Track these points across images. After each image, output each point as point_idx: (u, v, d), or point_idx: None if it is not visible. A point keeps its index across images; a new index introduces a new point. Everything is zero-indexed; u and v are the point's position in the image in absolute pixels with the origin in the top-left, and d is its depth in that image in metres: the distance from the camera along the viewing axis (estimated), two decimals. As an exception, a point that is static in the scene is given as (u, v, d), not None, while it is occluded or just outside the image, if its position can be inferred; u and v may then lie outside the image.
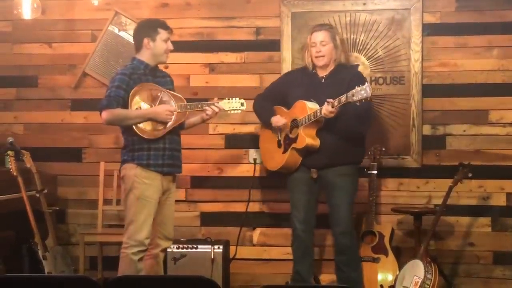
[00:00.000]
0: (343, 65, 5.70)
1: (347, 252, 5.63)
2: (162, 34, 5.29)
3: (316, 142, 5.55)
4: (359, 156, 5.72)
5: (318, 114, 5.42)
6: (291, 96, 5.71)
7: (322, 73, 5.69)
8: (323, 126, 5.51)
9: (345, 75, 5.53)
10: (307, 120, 5.51)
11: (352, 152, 5.62)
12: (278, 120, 5.73)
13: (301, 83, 5.72)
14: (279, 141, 5.78)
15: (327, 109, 5.35)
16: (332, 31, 5.74)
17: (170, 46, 5.33)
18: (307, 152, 5.59)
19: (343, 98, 5.29)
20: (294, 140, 5.62)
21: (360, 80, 5.43)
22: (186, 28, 6.34)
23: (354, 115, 5.43)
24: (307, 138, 5.53)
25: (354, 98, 5.24)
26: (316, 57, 5.66)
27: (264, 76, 6.36)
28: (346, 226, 5.59)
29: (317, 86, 5.62)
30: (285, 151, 5.69)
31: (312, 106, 5.52)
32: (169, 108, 5.21)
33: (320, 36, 5.67)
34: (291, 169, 5.70)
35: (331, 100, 5.34)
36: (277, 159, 5.76)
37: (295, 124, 5.62)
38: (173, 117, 5.23)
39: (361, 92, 5.22)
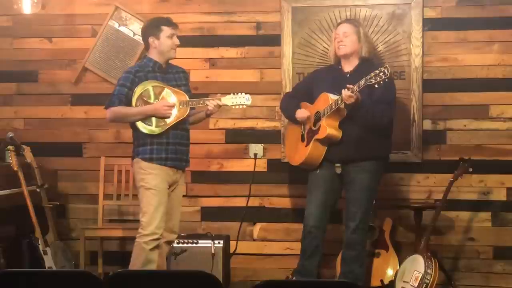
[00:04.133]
0: (369, 61, 5.67)
1: (356, 248, 5.60)
2: (166, 31, 5.41)
3: (339, 133, 5.51)
4: (384, 150, 5.67)
5: (339, 102, 5.41)
6: (316, 92, 5.69)
7: (347, 69, 5.67)
8: (347, 117, 5.48)
9: (371, 70, 5.40)
10: (328, 110, 5.48)
11: (377, 146, 5.57)
12: (302, 112, 5.72)
13: (326, 79, 5.70)
14: (302, 135, 5.76)
15: (345, 93, 5.34)
16: (355, 24, 5.74)
17: (176, 41, 5.46)
18: (329, 143, 5.55)
19: (362, 81, 5.30)
20: (317, 131, 5.59)
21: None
22: (186, 23, 6.32)
23: (378, 103, 5.42)
24: (329, 128, 5.49)
25: (372, 80, 5.24)
26: (338, 47, 5.64)
27: (265, 71, 6.36)
28: (360, 222, 5.56)
29: (341, 81, 5.55)
30: (307, 144, 5.66)
31: (334, 97, 5.50)
32: (166, 103, 5.34)
33: (343, 28, 5.67)
34: (314, 163, 5.64)
35: (350, 85, 5.34)
36: (300, 153, 5.72)
37: (318, 116, 5.60)
38: (174, 113, 5.35)
39: (380, 74, 5.23)
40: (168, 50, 5.43)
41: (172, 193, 5.46)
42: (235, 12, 6.39)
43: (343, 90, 5.37)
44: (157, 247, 5.35)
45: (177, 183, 5.48)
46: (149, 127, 5.36)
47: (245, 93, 5.45)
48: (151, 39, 5.42)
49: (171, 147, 5.39)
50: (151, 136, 5.36)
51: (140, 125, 5.37)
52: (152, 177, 5.34)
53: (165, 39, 5.41)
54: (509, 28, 6.11)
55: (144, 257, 5.30)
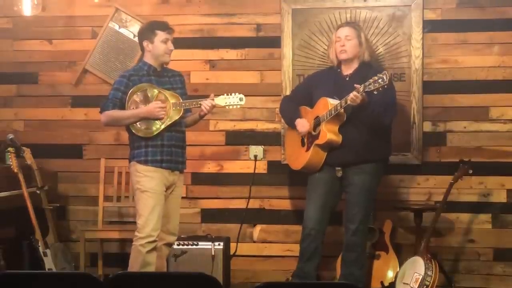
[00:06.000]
0: (368, 64, 5.66)
1: (356, 250, 5.60)
2: (160, 35, 5.40)
3: (339, 138, 5.50)
4: (385, 152, 5.68)
5: (338, 107, 5.40)
6: (315, 95, 5.68)
7: (346, 72, 5.67)
8: (346, 121, 5.48)
9: (370, 73, 5.41)
10: (328, 115, 5.47)
11: (377, 149, 5.56)
12: (302, 126, 5.67)
13: (326, 82, 5.69)
14: (302, 140, 5.75)
15: (353, 93, 5.30)
16: (357, 28, 5.74)
17: (170, 46, 5.44)
18: (330, 148, 5.54)
19: (361, 88, 5.29)
20: (317, 136, 5.58)
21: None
22: (186, 24, 6.33)
23: (378, 105, 5.40)
24: (329, 133, 5.49)
25: (371, 87, 5.24)
26: (340, 51, 5.63)
27: (265, 73, 6.36)
28: (360, 224, 5.56)
29: (341, 84, 5.56)
30: (308, 149, 5.65)
31: (333, 102, 5.48)
32: (159, 105, 5.33)
33: (345, 31, 5.66)
34: (314, 168, 5.63)
35: (357, 85, 5.31)
36: (301, 158, 5.71)
37: (317, 121, 5.59)
38: (168, 114, 5.35)
39: (378, 80, 5.22)
40: (162, 55, 5.42)
41: (171, 195, 5.45)
42: (235, 13, 6.39)
43: (351, 93, 5.35)
44: (154, 249, 5.34)
45: (175, 185, 5.47)
46: (144, 130, 5.36)
47: (239, 93, 5.44)
48: (145, 43, 5.42)
49: (166, 149, 5.38)
50: (145, 138, 5.36)
51: (135, 128, 5.38)
52: (147, 179, 5.34)
53: (159, 44, 5.39)
54: (509, 29, 6.11)
55: (142, 260, 5.29)
